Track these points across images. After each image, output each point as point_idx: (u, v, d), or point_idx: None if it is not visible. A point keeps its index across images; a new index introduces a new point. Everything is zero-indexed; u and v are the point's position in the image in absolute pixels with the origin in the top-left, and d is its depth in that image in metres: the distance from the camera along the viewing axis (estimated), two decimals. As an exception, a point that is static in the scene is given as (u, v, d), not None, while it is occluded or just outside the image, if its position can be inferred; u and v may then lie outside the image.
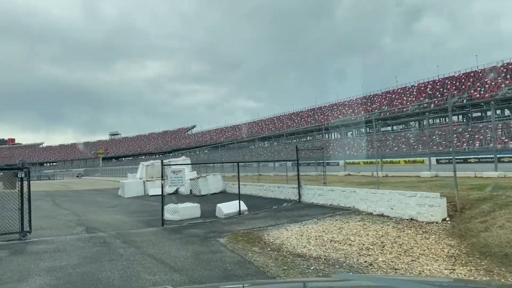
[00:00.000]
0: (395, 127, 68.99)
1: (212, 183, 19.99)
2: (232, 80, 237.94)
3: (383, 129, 70.35)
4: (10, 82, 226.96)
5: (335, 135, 76.84)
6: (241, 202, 12.72)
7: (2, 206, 9.88)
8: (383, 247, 7.42)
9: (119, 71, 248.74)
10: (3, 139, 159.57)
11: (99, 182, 51.05)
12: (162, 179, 11.62)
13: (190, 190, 21.18)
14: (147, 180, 22.95)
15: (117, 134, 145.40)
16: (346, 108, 78.61)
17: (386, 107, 68.91)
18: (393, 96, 72.04)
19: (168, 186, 12.22)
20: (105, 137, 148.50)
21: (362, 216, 10.47)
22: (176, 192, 21.92)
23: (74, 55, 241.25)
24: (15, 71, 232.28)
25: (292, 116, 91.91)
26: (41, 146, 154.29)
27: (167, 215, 12.61)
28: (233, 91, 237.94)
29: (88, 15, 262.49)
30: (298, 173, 14.41)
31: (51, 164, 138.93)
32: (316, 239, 8.34)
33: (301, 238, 8.50)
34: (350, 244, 7.74)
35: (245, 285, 2.39)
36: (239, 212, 12.49)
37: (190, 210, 12.73)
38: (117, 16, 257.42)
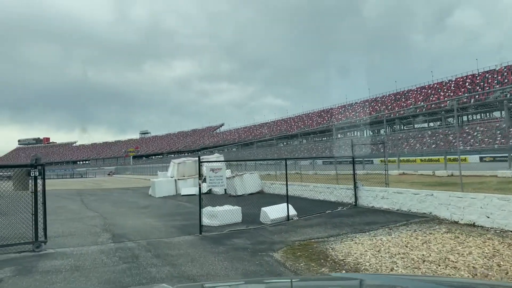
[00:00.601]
0: (431, 124, 65.56)
1: (249, 182, 18.16)
2: (260, 79, 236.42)
3: (417, 126, 67.08)
4: (46, 84, 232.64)
5: (367, 132, 73.85)
6: (290, 205, 10.83)
7: (15, 211, 8.31)
8: (507, 272, 5.37)
9: (148, 71, 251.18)
10: (39, 138, 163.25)
11: (130, 181, 50.21)
12: (199, 178, 9.84)
13: (225, 190, 19.43)
14: (178, 179, 21.35)
15: (147, 133, 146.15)
16: (379, 104, 75.52)
17: (422, 103, 65.56)
18: (429, 91, 68.53)
19: (207, 186, 10.41)
20: (136, 135, 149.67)
21: (447, 225, 8.40)
22: (209, 192, 20.23)
23: (106, 57, 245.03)
24: (51, 73, 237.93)
25: (322, 113, 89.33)
26: (74, 145, 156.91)
27: (204, 220, 10.89)
28: (260, 90, 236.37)
29: (119, 18, 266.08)
30: (354, 172, 12.33)
31: (84, 162, 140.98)
32: (402, 257, 6.34)
33: (380, 255, 6.52)
34: (454, 267, 5.71)
35: (247, 282, 2.66)
36: (288, 218, 10.60)
37: (230, 214, 10.94)
38: (147, 18, 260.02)
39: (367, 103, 79.27)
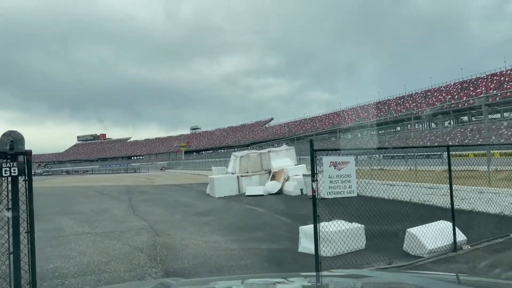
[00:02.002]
0: (505, 114, 57.90)
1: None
2: (307, 73, 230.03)
3: (490, 116, 59.55)
4: (102, 83, 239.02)
5: (427, 124, 66.99)
6: (449, 223, 6.35)
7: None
8: None
9: (196, 68, 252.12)
10: (95, 134, 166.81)
11: (182, 176, 47.24)
12: (313, 178, 5.49)
13: (301, 189, 15.16)
14: (241, 176, 17.30)
15: (198, 128, 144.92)
16: (443, 94, 68.33)
17: (495, 91, 58.01)
18: (502, 78, 60.67)
19: (326, 192, 6.13)
20: (186, 131, 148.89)
21: None
22: (280, 192, 16.04)
23: (156, 55, 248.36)
24: (106, 72, 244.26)
25: (378, 105, 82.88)
26: (128, 140, 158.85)
27: (304, 243, 6.75)
28: (308, 84, 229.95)
29: (168, 17, 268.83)
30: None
31: (137, 157, 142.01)
32: None
33: None
34: None
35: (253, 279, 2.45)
36: (455, 247, 6.12)
37: (348, 236, 6.64)
38: (194, 16, 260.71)
39: (429, 93, 72.23)
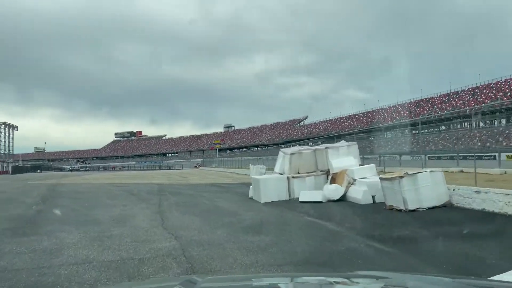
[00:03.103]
0: None
1: (427, 186, 10.09)
2: (341, 71, 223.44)
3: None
4: (139, 81, 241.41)
5: (475, 123, 61.28)
6: None
7: None
8: None
9: (229, 67, 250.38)
10: (132, 131, 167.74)
11: (218, 174, 44.42)
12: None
13: (373, 196, 11.67)
14: (293, 177, 13.95)
15: (231, 126, 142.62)
16: (494, 91, 62.43)
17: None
18: None
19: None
20: (220, 129, 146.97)
21: None
22: (342, 199, 12.60)
23: (191, 54, 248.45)
24: (142, 71, 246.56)
25: (421, 103, 77.44)
26: (164, 138, 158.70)
27: None
28: (342, 82, 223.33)
29: (203, 16, 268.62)
30: None
31: (172, 154, 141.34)
32: None
33: None
34: None
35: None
36: None
37: None
38: (229, 14, 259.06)
39: (477, 90, 66.40)
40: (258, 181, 13.86)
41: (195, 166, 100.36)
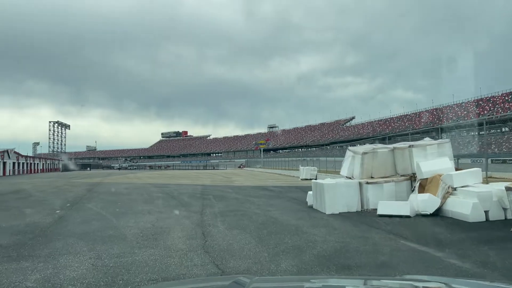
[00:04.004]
0: None
1: None
2: (389, 71, 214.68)
3: None
4: (185, 82, 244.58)
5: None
6: None
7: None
8: None
9: (274, 67, 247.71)
10: (178, 131, 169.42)
11: (264, 175, 41.87)
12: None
13: (486, 212, 8.51)
14: (367, 183, 10.95)
15: (275, 127, 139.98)
16: None
17: None
18: None
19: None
20: (264, 129, 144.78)
21: None
22: (437, 213, 9.47)
23: (235, 55, 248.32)
24: (189, 72, 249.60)
25: (480, 102, 71.04)
26: (208, 138, 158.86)
27: None
28: (389, 82, 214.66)
29: (248, 17, 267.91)
30: None
31: (216, 154, 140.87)
32: None
33: None
34: None
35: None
36: None
37: None
38: (274, 15, 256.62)
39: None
40: (322, 187, 11.00)
41: (239, 167, 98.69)
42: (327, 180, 11.45)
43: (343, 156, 13.28)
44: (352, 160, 11.96)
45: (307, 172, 28.22)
